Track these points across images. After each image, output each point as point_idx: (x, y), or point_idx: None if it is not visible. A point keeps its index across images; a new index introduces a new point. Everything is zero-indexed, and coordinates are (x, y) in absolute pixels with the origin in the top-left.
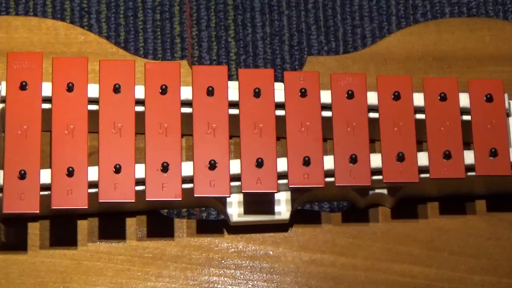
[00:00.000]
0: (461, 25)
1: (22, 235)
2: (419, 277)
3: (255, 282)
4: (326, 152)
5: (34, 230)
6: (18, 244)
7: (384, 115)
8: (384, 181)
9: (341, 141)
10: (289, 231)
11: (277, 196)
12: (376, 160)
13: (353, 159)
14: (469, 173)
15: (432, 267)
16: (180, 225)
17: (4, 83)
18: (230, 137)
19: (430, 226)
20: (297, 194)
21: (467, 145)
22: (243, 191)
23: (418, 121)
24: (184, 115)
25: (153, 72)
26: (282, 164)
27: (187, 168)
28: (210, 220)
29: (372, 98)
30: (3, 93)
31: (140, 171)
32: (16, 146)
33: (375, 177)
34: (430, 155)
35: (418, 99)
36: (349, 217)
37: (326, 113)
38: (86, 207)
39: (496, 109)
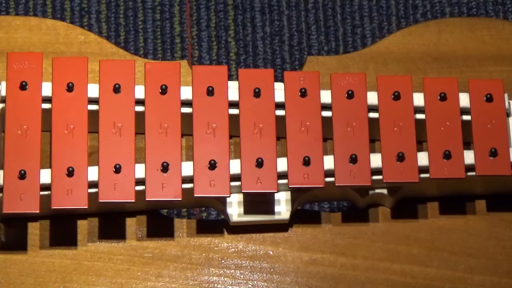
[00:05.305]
0: (461, 25)
1: (22, 235)
2: (419, 277)
3: (255, 282)
4: (326, 152)
5: (34, 230)
6: (18, 244)
7: (384, 115)
8: (384, 181)
9: (341, 141)
10: (289, 231)
11: (277, 196)
12: (376, 160)
13: (353, 159)
14: (469, 173)
15: (432, 267)
16: (180, 225)
17: (4, 83)
18: (230, 137)
19: (430, 226)
20: (297, 194)
21: (467, 145)
22: (243, 191)
23: (418, 121)
24: (184, 115)
25: (153, 72)
26: (282, 164)
27: (187, 168)
28: (210, 220)
29: (372, 98)
30: (3, 93)
31: (140, 171)
32: (16, 146)
33: (375, 177)
34: (430, 155)
35: (418, 99)
36: (349, 217)
37: (326, 113)
38: (86, 207)
39: (496, 109)
